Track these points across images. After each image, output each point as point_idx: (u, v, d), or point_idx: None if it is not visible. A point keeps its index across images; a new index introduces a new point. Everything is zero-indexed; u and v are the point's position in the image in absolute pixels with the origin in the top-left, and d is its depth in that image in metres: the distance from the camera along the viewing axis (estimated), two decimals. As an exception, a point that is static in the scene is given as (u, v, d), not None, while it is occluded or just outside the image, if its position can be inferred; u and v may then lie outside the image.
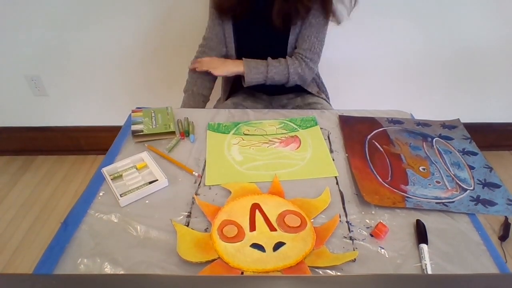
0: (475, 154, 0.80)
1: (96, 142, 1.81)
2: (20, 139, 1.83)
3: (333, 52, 1.40)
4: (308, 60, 1.02)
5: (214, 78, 1.13)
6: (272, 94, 1.19)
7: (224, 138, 0.86)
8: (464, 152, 0.81)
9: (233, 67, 1.03)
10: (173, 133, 0.85)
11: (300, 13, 0.96)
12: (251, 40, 1.06)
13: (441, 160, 0.78)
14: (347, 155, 0.80)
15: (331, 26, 1.04)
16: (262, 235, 0.61)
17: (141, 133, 0.84)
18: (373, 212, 0.67)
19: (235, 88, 1.18)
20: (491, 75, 1.62)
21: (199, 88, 1.11)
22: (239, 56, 1.07)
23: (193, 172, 0.75)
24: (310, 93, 1.15)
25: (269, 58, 1.03)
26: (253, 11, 0.99)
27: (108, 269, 0.56)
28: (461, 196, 0.69)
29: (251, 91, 1.17)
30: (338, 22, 1.01)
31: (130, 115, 0.92)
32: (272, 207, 0.66)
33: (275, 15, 0.96)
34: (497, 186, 0.72)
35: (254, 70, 1.01)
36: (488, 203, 0.68)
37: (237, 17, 1.02)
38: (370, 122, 0.91)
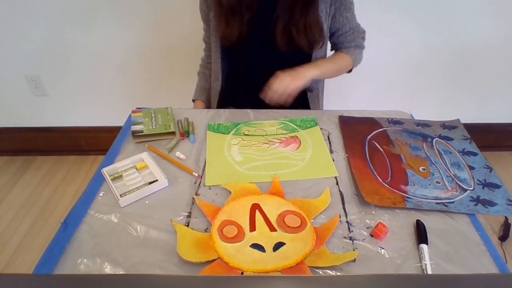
0: (475, 154, 0.80)
1: (96, 142, 1.81)
2: (20, 139, 1.83)
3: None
4: (361, 42, 1.02)
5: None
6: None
7: (224, 139, 0.86)
8: (464, 153, 0.81)
9: (312, 71, 0.90)
10: (173, 133, 0.85)
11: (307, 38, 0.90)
12: (252, 66, 0.99)
13: (441, 160, 0.78)
14: (347, 155, 0.80)
15: None
16: (262, 235, 0.61)
17: (141, 134, 0.84)
18: (373, 212, 0.67)
19: (226, 102, 1.11)
20: (491, 75, 1.62)
21: (206, 83, 1.12)
22: (226, 83, 1.04)
23: (193, 172, 0.75)
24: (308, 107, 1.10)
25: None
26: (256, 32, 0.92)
27: (108, 269, 0.56)
28: (461, 196, 0.69)
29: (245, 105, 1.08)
30: None
31: (130, 115, 0.92)
32: (272, 207, 0.66)
33: (278, 37, 0.91)
34: (497, 186, 0.72)
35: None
36: (488, 203, 0.68)
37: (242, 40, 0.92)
38: (370, 123, 0.91)
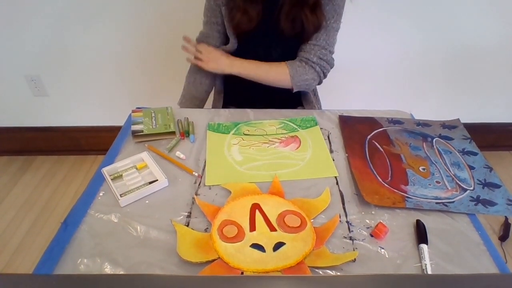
0: (475, 154, 0.80)
1: (96, 142, 1.81)
2: (20, 139, 1.83)
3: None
4: (315, 61, 0.95)
5: (213, 80, 1.07)
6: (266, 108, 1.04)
7: (224, 138, 0.86)
8: (464, 152, 0.81)
9: (227, 67, 0.95)
10: (173, 133, 0.85)
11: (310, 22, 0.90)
12: (258, 53, 0.99)
13: (441, 160, 0.78)
14: (347, 155, 0.80)
15: None
16: (262, 235, 0.61)
17: (141, 133, 0.84)
18: (373, 212, 0.67)
19: (227, 100, 1.12)
20: (491, 75, 1.62)
21: (195, 91, 1.07)
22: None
23: (193, 172, 0.75)
24: (302, 106, 1.10)
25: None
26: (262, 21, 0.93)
27: (108, 269, 0.56)
28: (461, 196, 0.69)
29: (243, 104, 1.07)
30: None
31: (130, 115, 0.92)
32: (272, 207, 0.66)
33: (283, 19, 0.90)
34: (497, 186, 0.72)
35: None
36: (488, 203, 0.68)
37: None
38: (370, 122, 0.91)
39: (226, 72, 0.97)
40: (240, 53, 1.00)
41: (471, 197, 0.69)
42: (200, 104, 1.11)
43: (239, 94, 1.09)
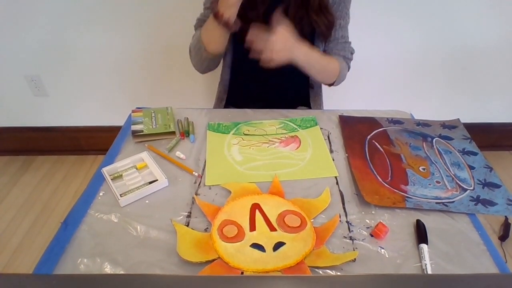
0: (475, 154, 0.80)
1: (96, 142, 1.81)
2: (20, 139, 1.83)
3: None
4: (349, 56, 0.96)
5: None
6: (272, 106, 1.01)
7: (224, 138, 0.86)
8: (464, 152, 0.81)
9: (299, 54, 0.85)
10: (173, 133, 0.85)
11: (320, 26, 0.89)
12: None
13: (441, 160, 0.78)
14: (347, 155, 0.80)
15: None
16: (262, 235, 0.61)
17: (141, 133, 0.84)
18: (373, 212, 0.67)
19: (230, 98, 1.10)
20: (491, 75, 1.62)
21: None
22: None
23: (193, 172, 0.75)
24: (309, 106, 1.09)
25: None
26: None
27: (108, 269, 0.56)
28: (461, 196, 0.69)
29: (248, 102, 1.04)
30: None
31: (130, 115, 0.92)
32: (272, 207, 0.66)
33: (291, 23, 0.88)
34: (497, 186, 0.72)
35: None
36: (488, 203, 0.68)
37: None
38: (370, 122, 0.91)
39: (295, 58, 0.84)
40: (239, 55, 0.99)
41: (471, 197, 0.69)
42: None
43: (244, 89, 1.07)
